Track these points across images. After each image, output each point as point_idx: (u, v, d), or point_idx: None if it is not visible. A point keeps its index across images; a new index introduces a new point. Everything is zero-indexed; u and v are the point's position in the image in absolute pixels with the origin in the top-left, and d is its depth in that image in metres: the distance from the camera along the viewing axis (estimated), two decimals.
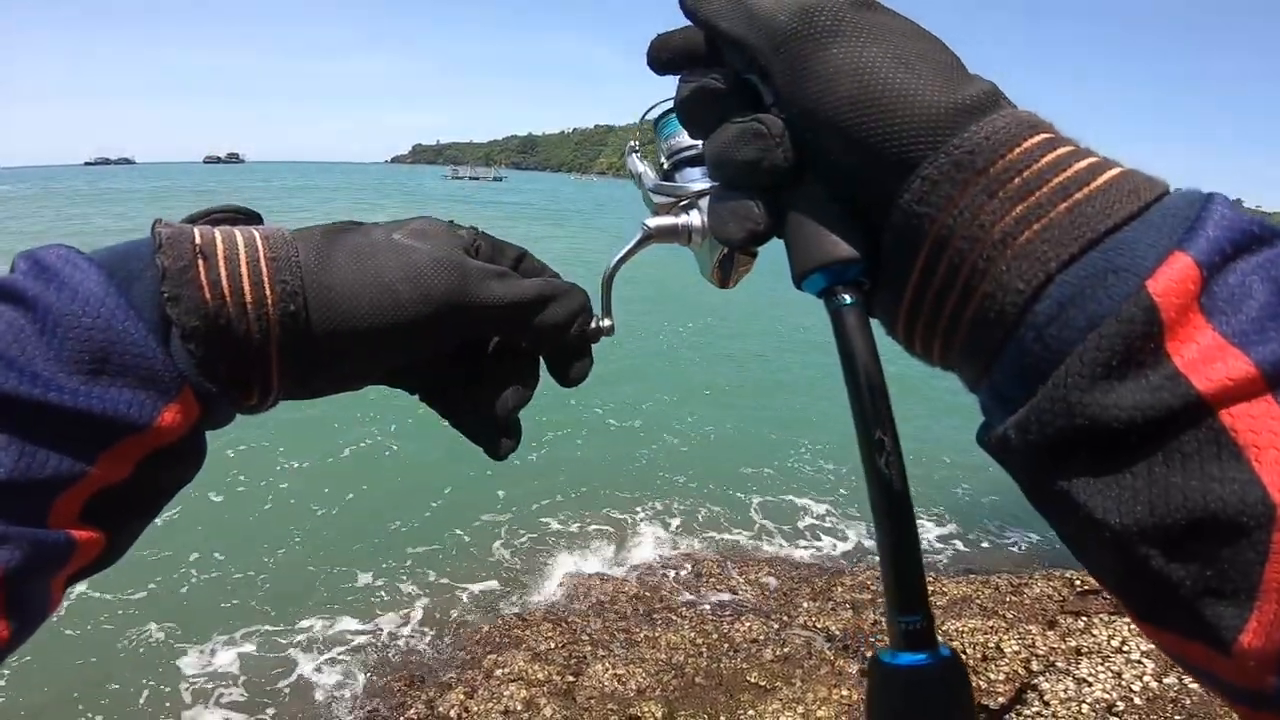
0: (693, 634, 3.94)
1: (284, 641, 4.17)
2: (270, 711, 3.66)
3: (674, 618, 4.21)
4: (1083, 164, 0.26)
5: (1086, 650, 3.10)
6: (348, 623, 4.36)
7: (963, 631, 3.44)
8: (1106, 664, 2.92)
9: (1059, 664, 3.04)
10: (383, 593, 4.69)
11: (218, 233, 0.34)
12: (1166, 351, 0.22)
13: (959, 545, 5.59)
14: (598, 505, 5.90)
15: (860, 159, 0.29)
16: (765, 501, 6.11)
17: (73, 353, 0.29)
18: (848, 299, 0.30)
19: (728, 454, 7.10)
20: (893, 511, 0.28)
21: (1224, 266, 0.23)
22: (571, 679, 3.55)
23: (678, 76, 0.36)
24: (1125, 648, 3.02)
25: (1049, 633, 3.33)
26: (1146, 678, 2.79)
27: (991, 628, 3.45)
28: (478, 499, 5.77)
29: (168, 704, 3.71)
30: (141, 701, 3.71)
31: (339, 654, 4.07)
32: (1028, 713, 2.77)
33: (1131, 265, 0.23)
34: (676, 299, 12.18)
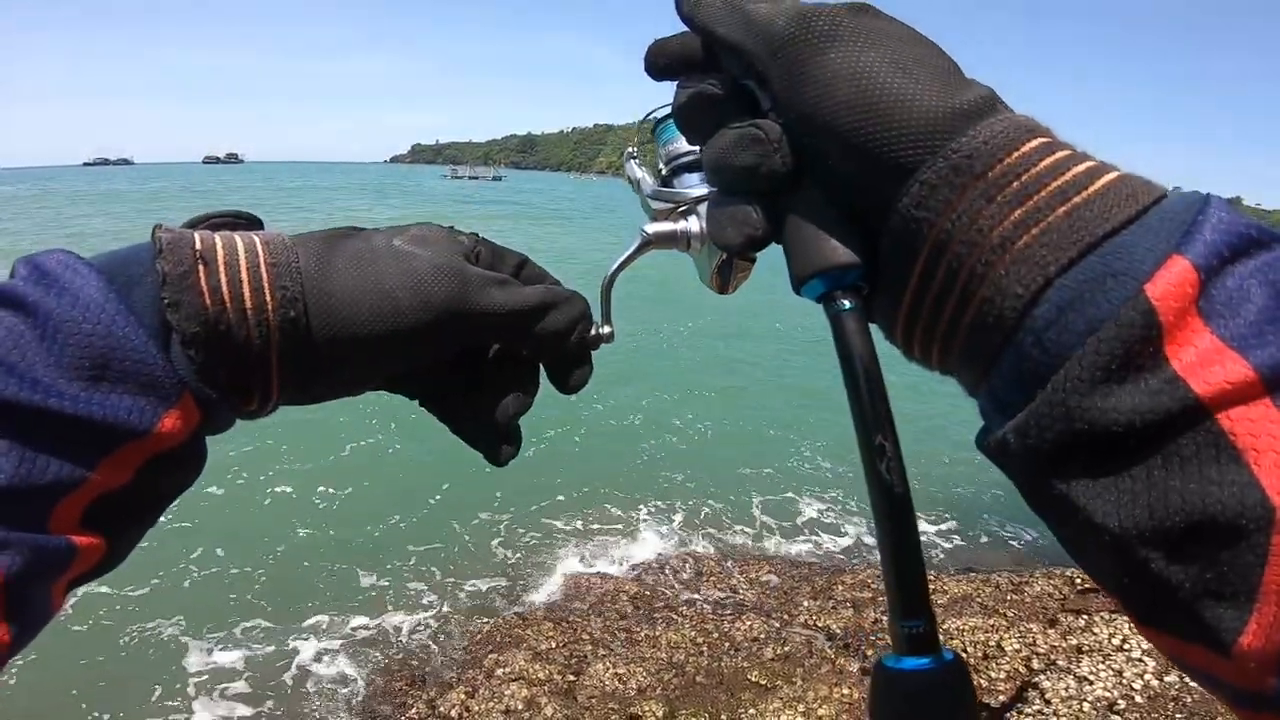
0: (693, 633, 3.94)
1: (284, 640, 4.18)
2: (270, 711, 3.67)
3: (675, 617, 4.21)
4: (1080, 168, 0.26)
5: (1087, 648, 3.10)
6: (348, 622, 4.36)
7: (963, 630, 3.45)
8: (1107, 662, 2.92)
9: (1060, 662, 3.04)
10: (383, 592, 4.70)
11: (218, 238, 0.34)
12: (1165, 355, 0.22)
13: (959, 543, 5.59)
14: (598, 504, 5.90)
15: (858, 163, 0.29)
16: (766, 500, 6.11)
17: (73, 359, 0.29)
18: (847, 304, 0.30)
19: (728, 452, 7.10)
20: (894, 515, 0.28)
21: (1221, 270, 0.23)
22: (572, 678, 3.55)
23: (675, 82, 0.36)
24: (1126, 646, 3.03)
25: (1050, 631, 3.33)
26: (1148, 676, 2.79)
27: (992, 626, 3.46)
28: (478, 498, 5.77)
29: (168, 701, 3.71)
30: (143, 697, 3.72)
31: (340, 654, 4.08)
32: (1029, 711, 2.77)
33: (1130, 269, 0.23)
34: (677, 297, 12.18)
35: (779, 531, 5.67)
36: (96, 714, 3.61)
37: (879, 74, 0.28)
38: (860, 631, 3.86)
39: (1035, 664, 3.11)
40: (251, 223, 0.38)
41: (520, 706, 3.29)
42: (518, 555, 5.17)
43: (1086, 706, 2.70)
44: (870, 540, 5.33)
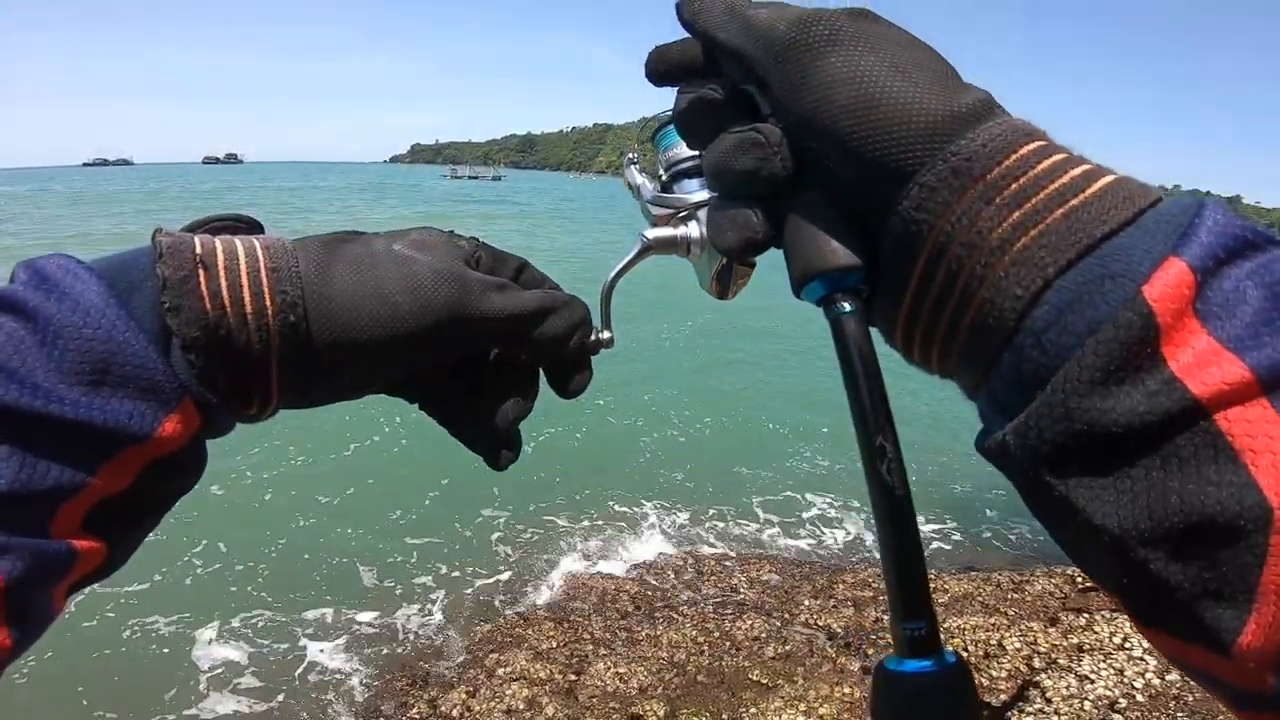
0: (694, 632, 3.94)
1: (284, 641, 4.18)
2: (267, 712, 3.67)
3: (675, 616, 4.21)
4: (1078, 170, 0.26)
5: (1088, 647, 3.11)
6: (350, 622, 4.36)
7: (964, 629, 3.45)
8: (1109, 661, 2.92)
9: (1061, 661, 3.04)
10: (384, 592, 4.70)
11: (218, 242, 0.34)
12: (1163, 356, 0.22)
13: (960, 542, 5.59)
14: (599, 503, 5.90)
15: (858, 167, 0.29)
16: (766, 499, 6.11)
17: (73, 364, 0.29)
18: (847, 307, 0.30)
19: (728, 451, 7.10)
20: (895, 517, 0.28)
21: (1218, 272, 0.23)
22: (573, 678, 3.55)
23: (675, 88, 0.37)
24: (1127, 644, 3.03)
25: (1051, 630, 3.33)
26: (1149, 674, 2.79)
27: (993, 625, 3.46)
28: (479, 496, 5.77)
29: (171, 696, 3.73)
30: (147, 692, 3.74)
31: (341, 654, 4.08)
32: (1030, 710, 2.77)
33: (1128, 271, 0.24)
34: (678, 297, 12.18)
35: (780, 530, 5.67)
36: (103, 709, 3.63)
37: (879, 78, 0.28)
38: (861, 630, 3.86)
39: (1036, 662, 3.11)
40: (251, 227, 0.38)
41: (521, 706, 3.29)
42: (519, 554, 5.17)
43: (1088, 705, 2.70)
44: (871, 539, 5.33)
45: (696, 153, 0.39)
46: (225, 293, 0.32)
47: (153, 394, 0.30)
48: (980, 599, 4.05)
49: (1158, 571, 0.22)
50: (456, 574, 4.91)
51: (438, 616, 4.45)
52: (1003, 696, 2.95)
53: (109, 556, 0.32)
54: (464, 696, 3.42)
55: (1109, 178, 0.26)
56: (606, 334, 0.42)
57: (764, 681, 3.41)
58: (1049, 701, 2.77)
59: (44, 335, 0.29)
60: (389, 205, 44.09)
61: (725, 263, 0.38)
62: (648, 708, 3.21)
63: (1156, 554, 0.22)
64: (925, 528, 5.65)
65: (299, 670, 3.95)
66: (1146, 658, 2.88)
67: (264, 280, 0.33)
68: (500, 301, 0.38)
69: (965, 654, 3.26)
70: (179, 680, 3.84)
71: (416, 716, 3.40)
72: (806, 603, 4.30)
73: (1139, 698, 2.69)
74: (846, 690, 3.17)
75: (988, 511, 5.96)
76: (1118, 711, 2.65)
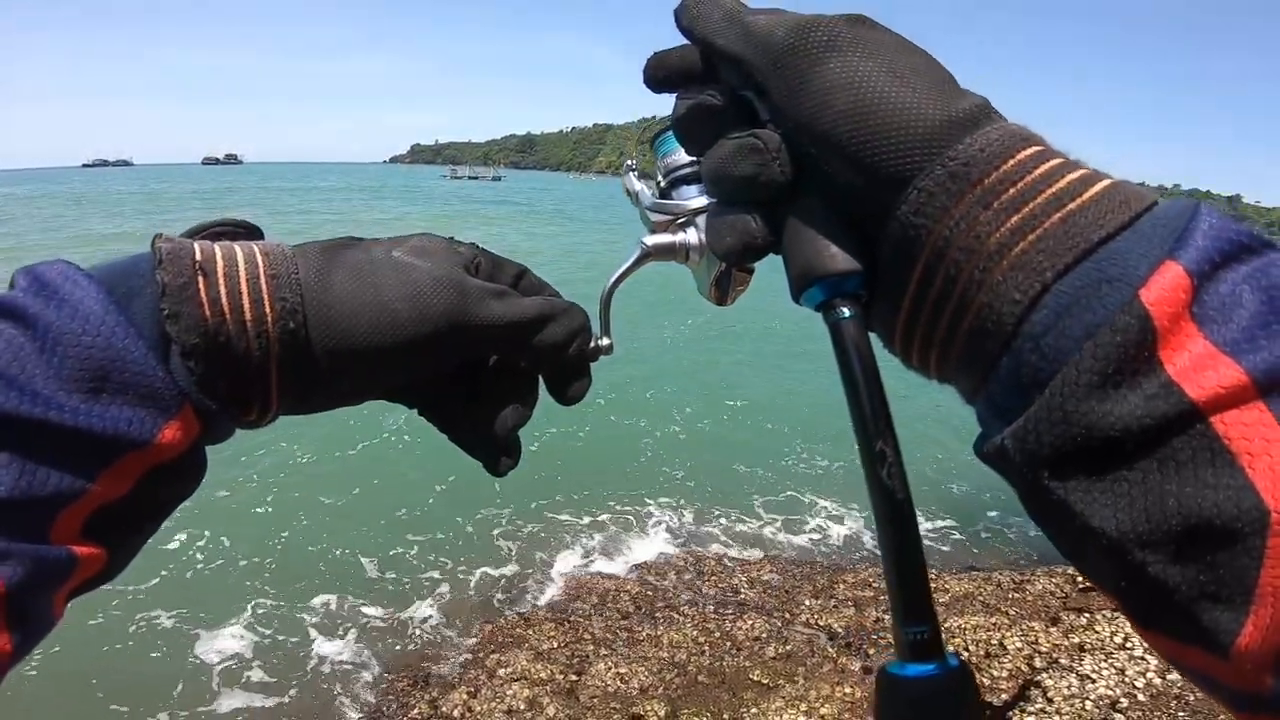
0: (695, 632, 3.94)
1: (283, 644, 4.18)
2: (266, 712, 3.67)
3: (676, 616, 4.21)
4: (1074, 175, 0.26)
5: (1089, 647, 3.11)
6: (350, 624, 4.37)
7: (965, 629, 3.45)
8: (1110, 660, 2.92)
9: (1062, 660, 3.04)
10: (386, 593, 4.70)
11: (218, 248, 0.34)
12: (1159, 360, 0.23)
13: (961, 542, 5.59)
14: (599, 503, 5.91)
15: (857, 172, 0.29)
16: (767, 499, 6.12)
17: (73, 371, 0.29)
18: (846, 312, 0.30)
19: (729, 451, 7.11)
20: (896, 521, 0.28)
21: (1214, 276, 0.23)
22: (574, 678, 3.55)
23: (674, 94, 0.37)
24: (1128, 644, 3.03)
25: (1052, 629, 3.33)
26: (1150, 674, 2.79)
27: (994, 624, 3.46)
28: (480, 497, 5.77)
29: (178, 690, 3.75)
30: (153, 686, 3.77)
31: (342, 655, 4.08)
32: (1031, 709, 2.77)
33: (1125, 275, 0.24)
34: (680, 297, 12.19)
35: (780, 530, 5.67)
36: (116, 703, 3.66)
37: (877, 83, 0.29)
38: (862, 630, 3.86)
39: (1038, 662, 3.11)
40: (251, 232, 0.38)
41: (522, 707, 3.29)
42: (520, 555, 5.18)
43: (1089, 705, 2.70)
44: (871, 538, 5.33)
45: (695, 159, 0.39)
46: (225, 299, 0.32)
47: (152, 401, 0.31)
48: (981, 598, 4.05)
49: (1156, 574, 0.22)
50: (458, 575, 4.92)
51: (439, 617, 4.45)
52: (1004, 696, 2.95)
53: (109, 562, 0.32)
54: (465, 697, 3.42)
55: (1105, 182, 0.26)
56: (606, 341, 0.42)
57: (765, 681, 3.41)
58: (1050, 701, 2.77)
59: (43, 342, 0.29)
60: (389, 206, 44.12)
61: (724, 268, 0.38)
62: (649, 708, 3.22)
63: (1154, 556, 0.22)
64: (925, 528, 5.66)
65: (298, 671, 3.95)
66: (1148, 657, 2.88)
67: (263, 287, 0.33)
68: (499, 309, 0.38)
69: (966, 653, 3.26)
70: (187, 675, 3.87)
71: (418, 717, 3.41)
72: (807, 602, 4.30)
73: (1140, 697, 2.69)
74: (847, 690, 3.17)
75: (988, 511, 5.97)
76: (1119, 711, 2.65)
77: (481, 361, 0.42)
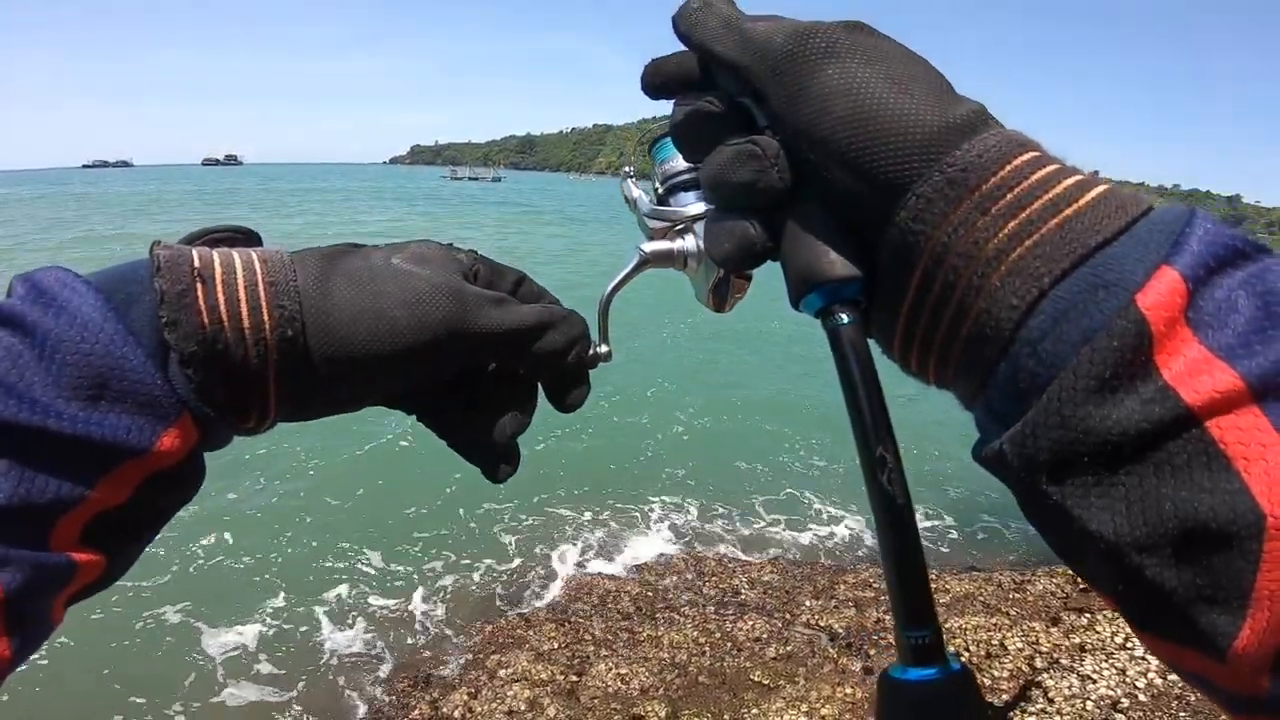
0: (695, 633, 3.94)
1: (283, 643, 4.18)
2: (270, 709, 3.67)
3: (677, 617, 4.21)
4: (1070, 181, 0.27)
5: (1090, 647, 3.11)
6: (350, 625, 4.37)
7: (966, 629, 3.45)
8: (1110, 660, 2.92)
9: (1063, 661, 3.04)
10: (386, 594, 4.70)
11: (216, 255, 0.34)
12: (1156, 365, 0.23)
13: (962, 542, 5.59)
14: (600, 503, 5.91)
15: (855, 178, 0.29)
16: (767, 499, 6.12)
17: (71, 379, 0.29)
18: (845, 318, 0.30)
19: (729, 451, 7.10)
20: (896, 526, 0.28)
21: (1209, 281, 0.23)
22: (575, 679, 3.55)
23: (672, 101, 0.37)
24: (1129, 644, 3.03)
25: (1052, 629, 3.33)
26: (1151, 674, 2.79)
27: (995, 625, 3.46)
28: (479, 497, 5.78)
29: (185, 684, 3.76)
30: (158, 680, 3.79)
31: (340, 657, 4.08)
32: (1032, 710, 2.77)
33: (1121, 280, 0.24)
34: (681, 296, 12.21)
35: (781, 530, 5.67)
36: (131, 695, 3.68)
37: (875, 90, 0.29)
38: (863, 631, 3.86)
39: (1038, 662, 3.11)
40: (249, 238, 0.38)
41: (523, 707, 3.29)
42: (521, 555, 5.18)
43: (1090, 705, 2.70)
44: (871, 538, 5.33)
45: (693, 165, 0.39)
46: (223, 307, 0.32)
47: (151, 408, 0.31)
48: (982, 599, 4.05)
49: (1153, 577, 0.22)
50: (458, 576, 4.92)
51: (440, 617, 4.45)
52: (1005, 697, 2.95)
53: (107, 568, 0.32)
54: (465, 698, 3.42)
55: (1101, 188, 0.26)
56: (604, 348, 0.42)
57: (765, 682, 3.41)
58: (1051, 701, 2.77)
59: (42, 350, 0.29)
60: (389, 207, 44.13)
61: (722, 275, 0.38)
62: (649, 709, 3.22)
63: (1151, 560, 0.22)
64: (925, 528, 5.66)
65: (300, 670, 3.95)
66: (1148, 658, 2.88)
67: (262, 294, 0.33)
68: (498, 317, 0.38)
69: (967, 654, 3.26)
70: (196, 669, 3.90)
71: (418, 718, 3.40)
72: (808, 603, 4.30)
73: (1141, 697, 2.69)
74: (848, 691, 3.17)
75: (989, 511, 5.96)
76: (1120, 711, 2.65)
77: (481, 368, 0.42)
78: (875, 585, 4.45)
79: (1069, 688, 2.80)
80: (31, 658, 0.30)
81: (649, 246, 0.41)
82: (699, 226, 0.39)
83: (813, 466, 6.83)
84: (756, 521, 5.78)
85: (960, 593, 4.16)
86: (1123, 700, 2.69)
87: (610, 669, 3.57)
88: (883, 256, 0.29)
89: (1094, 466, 0.23)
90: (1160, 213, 0.26)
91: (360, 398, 0.38)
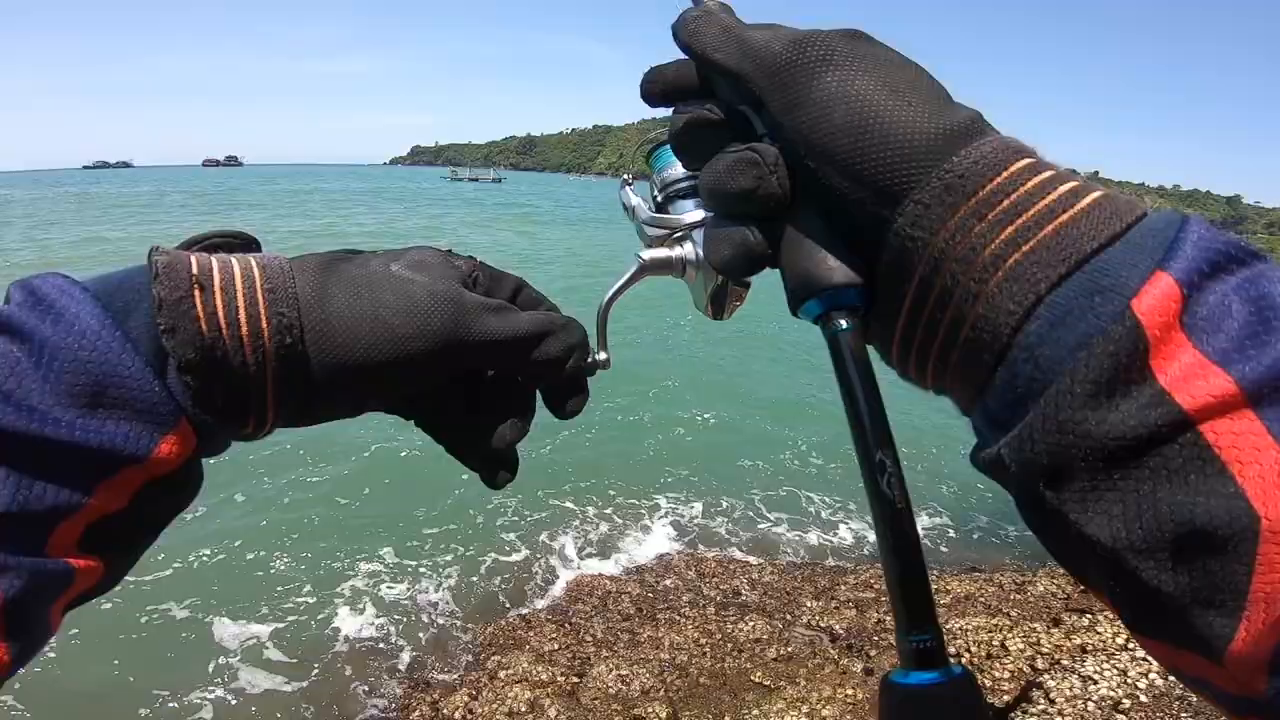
0: (696, 634, 3.94)
1: (280, 644, 4.18)
2: (275, 703, 3.67)
3: (677, 617, 4.21)
4: (1065, 187, 0.27)
5: (1091, 648, 3.10)
6: (349, 626, 4.37)
7: (967, 630, 3.44)
8: (1112, 661, 2.91)
9: (1064, 661, 3.04)
10: (385, 596, 4.70)
11: (215, 261, 0.34)
12: (1151, 369, 0.23)
13: (962, 543, 5.59)
14: (600, 504, 5.91)
15: (854, 184, 0.29)
16: (768, 500, 6.12)
17: (69, 386, 0.29)
18: (844, 324, 0.30)
19: (730, 452, 7.10)
20: (896, 530, 0.28)
21: (1203, 286, 0.24)
22: (575, 680, 3.55)
23: (671, 109, 0.37)
24: (1130, 645, 3.02)
25: (1053, 630, 3.33)
26: (1152, 675, 2.79)
27: (995, 625, 3.45)
28: (479, 498, 5.78)
29: (197, 676, 3.79)
30: (168, 673, 3.82)
31: (340, 658, 4.08)
32: (1034, 711, 2.76)
33: (1116, 285, 0.24)
34: (682, 294, 12.21)
35: (782, 530, 5.67)
36: (145, 686, 3.71)
37: (873, 97, 0.29)
38: (863, 632, 3.86)
39: (1039, 663, 3.11)
40: (247, 243, 0.38)
41: (524, 709, 3.29)
42: (520, 557, 5.18)
43: (1091, 706, 2.70)
44: (872, 539, 5.32)
45: (692, 173, 0.39)
46: (221, 314, 0.32)
47: (149, 415, 0.31)
48: (983, 600, 4.05)
49: (1150, 580, 0.23)
50: (458, 577, 4.92)
51: (439, 620, 4.45)
52: (1006, 698, 2.94)
53: (106, 574, 0.32)
54: (466, 699, 3.42)
55: (1096, 194, 0.27)
56: (603, 355, 0.42)
57: (766, 683, 3.41)
58: (1052, 702, 2.76)
59: (40, 357, 0.29)
60: (389, 208, 44.14)
61: (721, 283, 0.38)
62: (650, 710, 3.21)
63: (1148, 563, 0.23)
64: (926, 528, 5.66)
65: (294, 676, 3.95)
66: (1149, 658, 2.87)
67: (260, 301, 0.33)
68: (496, 324, 0.38)
69: (968, 654, 3.26)
70: (208, 661, 3.94)
71: (419, 719, 3.40)
72: (808, 604, 4.29)
73: (1143, 698, 2.69)
74: (849, 691, 3.16)
75: (989, 512, 5.97)
76: (1121, 712, 2.64)
77: (479, 375, 0.42)
78: (876, 586, 4.45)
79: (1070, 689, 2.80)
80: (48, 651, 0.30)
81: (648, 254, 0.41)
82: (697, 234, 0.39)
83: (817, 468, 6.83)
84: (758, 521, 5.78)
85: (961, 594, 4.16)
86: (1124, 701, 2.69)
87: (611, 670, 3.57)
88: (881, 263, 0.29)
89: (1091, 471, 0.23)
90: (1154, 218, 0.26)
91: (358, 404, 0.38)
